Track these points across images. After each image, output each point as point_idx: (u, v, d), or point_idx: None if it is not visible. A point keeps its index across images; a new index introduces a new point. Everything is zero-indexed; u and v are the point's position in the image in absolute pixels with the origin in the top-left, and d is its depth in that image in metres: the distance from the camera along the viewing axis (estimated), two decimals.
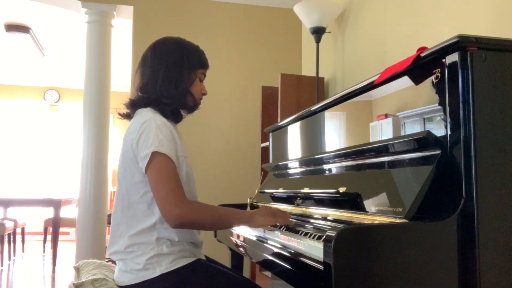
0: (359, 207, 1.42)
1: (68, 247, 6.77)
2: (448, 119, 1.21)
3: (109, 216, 4.14)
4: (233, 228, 1.97)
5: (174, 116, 1.60)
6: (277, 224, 1.58)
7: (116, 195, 1.57)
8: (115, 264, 1.57)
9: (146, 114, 1.51)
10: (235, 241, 2.02)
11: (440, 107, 1.24)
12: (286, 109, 3.20)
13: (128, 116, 1.63)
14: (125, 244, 1.48)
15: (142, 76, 1.60)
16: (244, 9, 4.17)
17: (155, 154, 1.41)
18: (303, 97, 3.29)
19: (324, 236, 1.14)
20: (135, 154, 1.46)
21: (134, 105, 1.60)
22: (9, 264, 5.42)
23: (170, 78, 1.55)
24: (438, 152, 1.21)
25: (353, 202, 1.46)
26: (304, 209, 1.82)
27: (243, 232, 1.91)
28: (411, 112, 1.39)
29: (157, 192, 1.41)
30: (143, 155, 1.42)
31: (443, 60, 1.23)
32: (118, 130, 7.70)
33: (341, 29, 3.31)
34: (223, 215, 1.53)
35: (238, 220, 1.56)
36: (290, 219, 1.65)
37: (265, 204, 2.23)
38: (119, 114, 1.66)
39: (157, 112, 1.54)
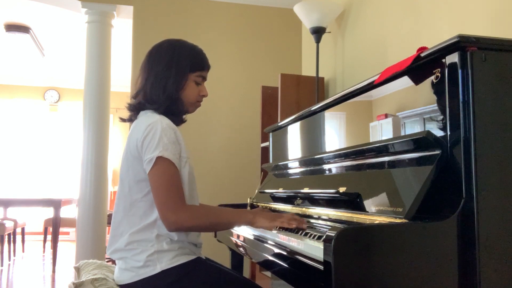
0: (359, 207, 1.42)
1: (68, 247, 6.77)
2: (448, 119, 1.21)
3: (109, 216, 4.14)
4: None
5: (175, 121, 1.60)
6: (278, 226, 1.57)
7: (118, 193, 1.57)
8: (115, 264, 1.57)
9: (152, 116, 1.52)
10: (235, 241, 2.02)
11: (440, 107, 1.24)
12: (286, 109, 3.19)
13: (130, 120, 1.65)
14: (125, 242, 1.48)
15: (139, 81, 1.62)
16: (244, 9, 4.16)
17: (159, 159, 1.43)
18: (303, 97, 3.29)
19: (324, 236, 1.14)
20: (139, 153, 1.47)
21: (130, 110, 1.63)
22: (9, 264, 5.42)
23: (159, 84, 1.56)
24: (438, 152, 1.21)
25: (353, 202, 1.46)
26: (304, 209, 1.82)
27: (243, 232, 1.91)
28: (411, 112, 1.38)
29: (157, 197, 1.43)
30: (148, 158, 1.44)
31: (443, 60, 1.23)
32: (118, 130, 7.70)
33: (341, 29, 3.31)
34: (222, 220, 1.55)
35: (239, 223, 1.60)
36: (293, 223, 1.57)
37: (265, 204, 2.23)
38: (121, 118, 1.68)
39: (161, 114, 1.55)
